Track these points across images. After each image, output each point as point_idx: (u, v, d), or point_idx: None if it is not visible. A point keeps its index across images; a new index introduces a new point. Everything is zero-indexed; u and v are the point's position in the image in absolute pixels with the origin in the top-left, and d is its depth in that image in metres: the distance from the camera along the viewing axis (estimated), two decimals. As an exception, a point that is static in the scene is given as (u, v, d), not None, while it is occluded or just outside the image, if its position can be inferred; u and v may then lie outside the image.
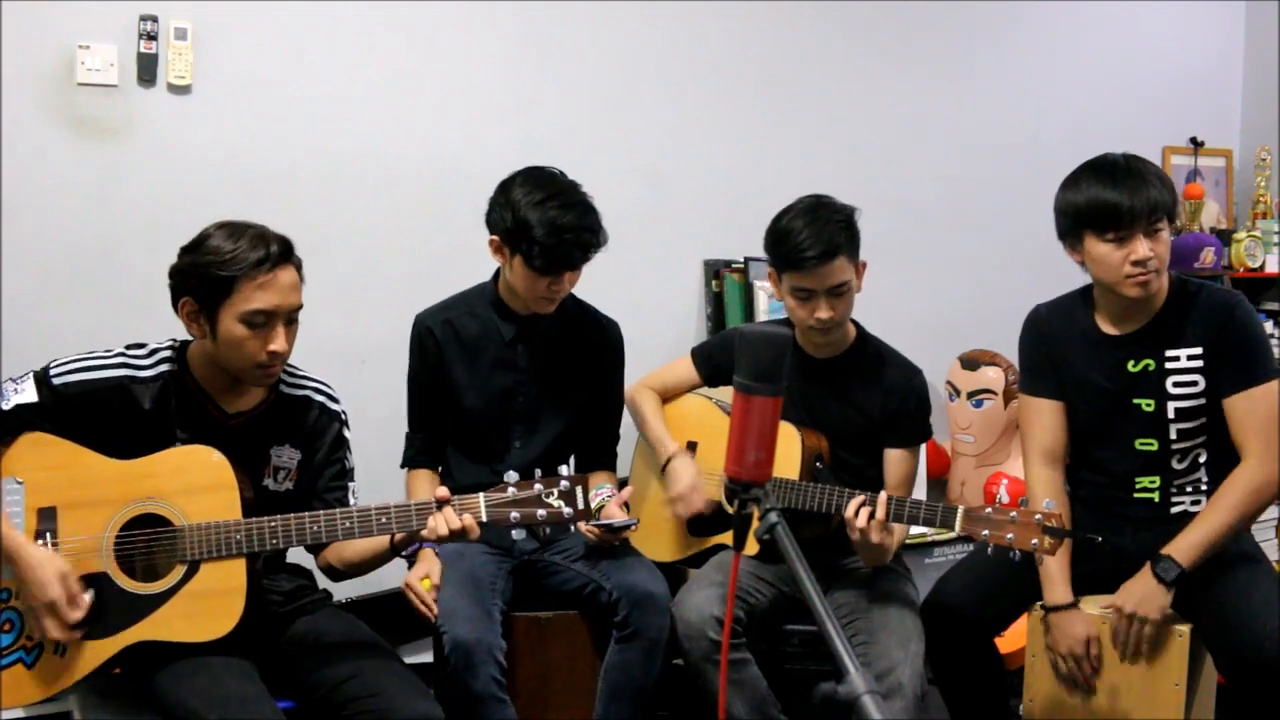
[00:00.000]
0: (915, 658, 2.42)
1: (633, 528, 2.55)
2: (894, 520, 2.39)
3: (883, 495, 2.37)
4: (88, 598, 2.03)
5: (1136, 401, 2.48)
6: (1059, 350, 2.57)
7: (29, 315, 3.01)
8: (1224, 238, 4.33)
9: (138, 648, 2.05)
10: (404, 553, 2.23)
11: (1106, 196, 2.38)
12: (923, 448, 2.75)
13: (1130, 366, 2.48)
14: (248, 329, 2.08)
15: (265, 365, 2.13)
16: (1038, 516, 2.22)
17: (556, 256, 2.49)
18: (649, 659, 2.50)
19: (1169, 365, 2.45)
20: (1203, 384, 2.44)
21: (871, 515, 2.35)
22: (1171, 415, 2.46)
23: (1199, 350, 2.44)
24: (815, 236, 2.46)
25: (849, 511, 2.37)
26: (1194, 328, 2.44)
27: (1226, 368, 2.43)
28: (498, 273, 2.70)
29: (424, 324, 2.69)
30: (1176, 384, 2.45)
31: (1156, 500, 2.51)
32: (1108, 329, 2.52)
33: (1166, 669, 2.42)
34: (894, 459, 2.65)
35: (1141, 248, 2.36)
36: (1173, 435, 2.47)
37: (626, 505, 2.63)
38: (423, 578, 2.46)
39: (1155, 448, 2.48)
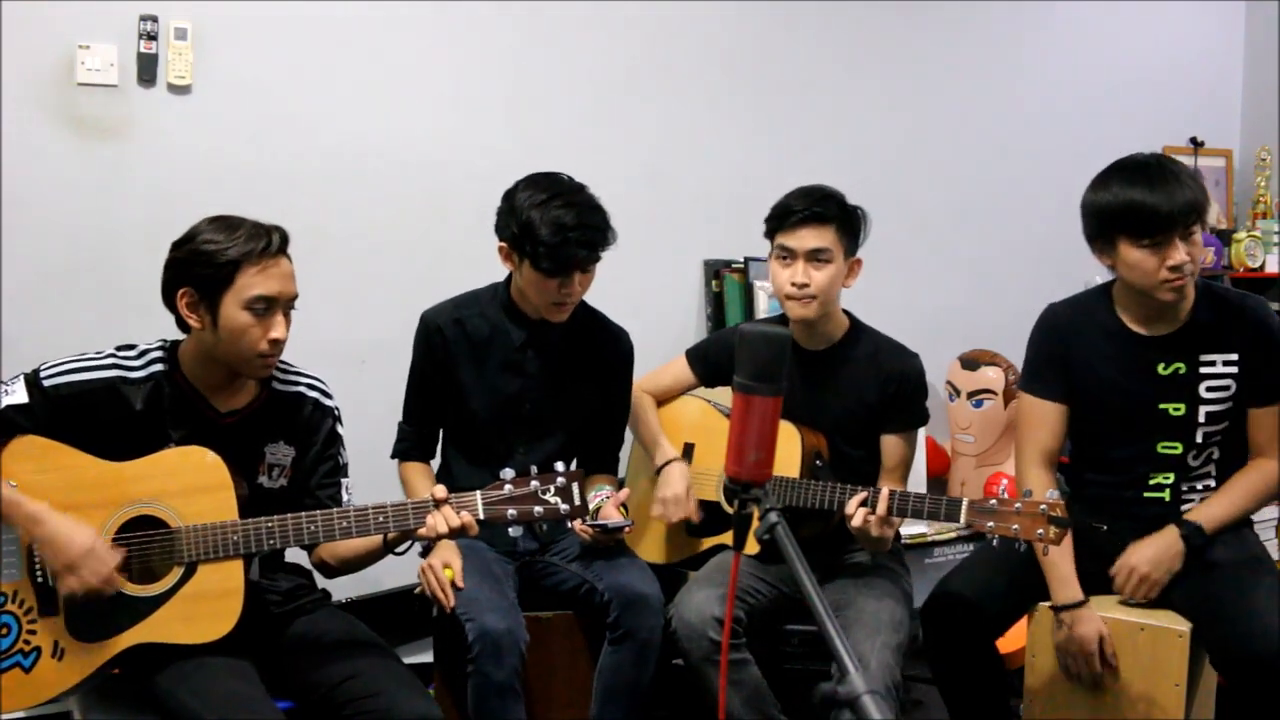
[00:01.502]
0: (883, 649, 2.40)
1: (627, 529, 2.55)
2: (898, 515, 2.39)
3: (885, 491, 2.37)
4: (118, 556, 2.02)
5: (1164, 406, 2.46)
6: (1077, 349, 2.54)
7: (29, 315, 3.02)
8: (1224, 238, 4.33)
9: (136, 650, 2.05)
10: (397, 550, 2.22)
11: (1142, 200, 2.33)
12: (921, 434, 2.74)
13: (1160, 369, 2.46)
14: (251, 316, 2.08)
15: (266, 354, 2.12)
16: (1042, 507, 2.23)
17: (563, 256, 2.47)
18: (642, 660, 2.50)
19: (1204, 370, 2.44)
20: (1235, 389, 2.44)
21: (874, 511, 2.35)
22: (1202, 420, 2.45)
23: (1235, 356, 2.43)
24: (807, 200, 2.56)
25: (850, 508, 2.38)
26: (1230, 334, 2.43)
27: (1260, 377, 2.43)
28: (511, 275, 2.70)
29: (433, 322, 2.67)
30: (1210, 389, 2.44)
31: (1167, 499, 2.50)
32: (1136, 328, 2.49)
33: (1166, 669, 2.42)
34: (889, 444, 2.65)
35: (1178, 253, 2.32)
36: (1199, 439, 2.47)
37: (625, 506, 2.63)
38: (445, 565, 2.44)
39: (1179, 450, 2.48)
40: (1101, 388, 2.51)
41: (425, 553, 2.61)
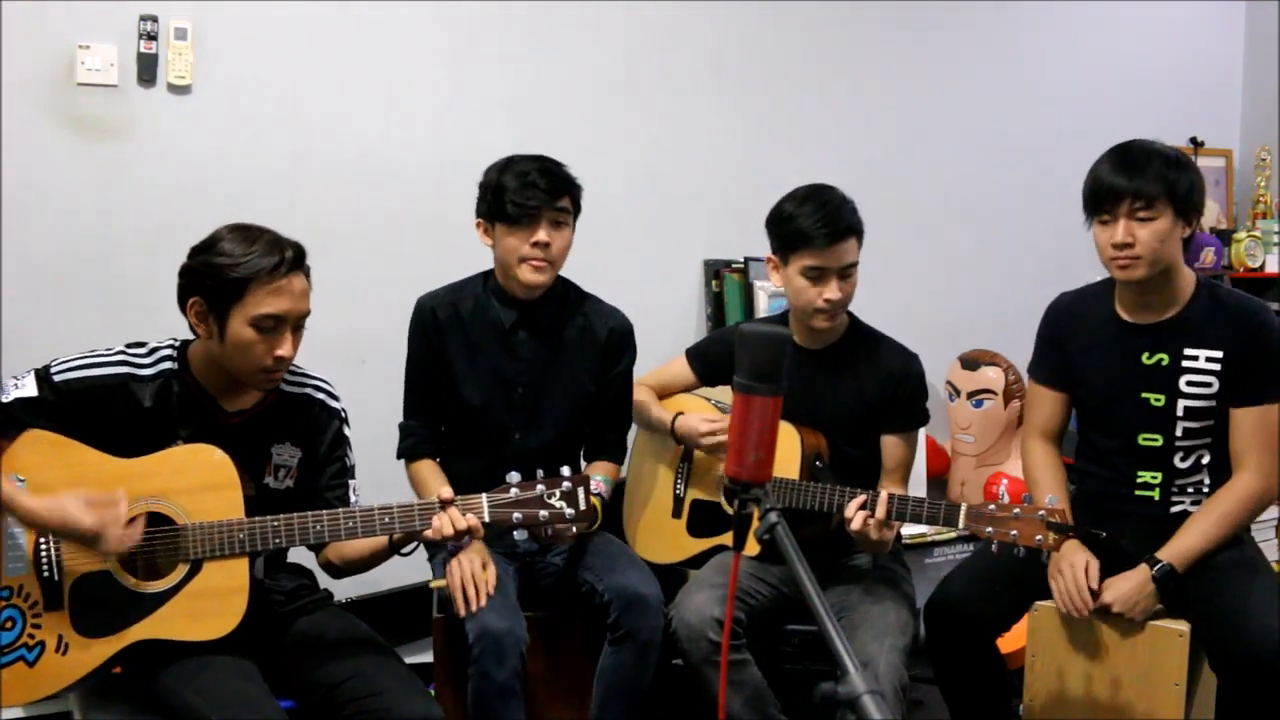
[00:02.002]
0: (891, 650, 2.40)
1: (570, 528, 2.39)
2: (897, 519, 2.39)
3: (884, 494, 2.37)
4: (122, 503, 2.00)
5: (1145, 395, 2.47)
6: (1074, 337, 2.57)
7: (29, 315, 3.02)
8: (1224, 238, 4.33)
9: (139, 646, 2.05)
10: (403, 551, 2.22)
11: (1098, 177, 2.41)
12: (922, 434, 2.73)
13: (1144, 358, 2.47)
14: (257, 333, 2.08)
15: (270, 370, 2.12)
16: (1041, 513, 2.22)
17: (527, 198, 2.50)
18: (642, 660, 2.50)
19: (1185, 364, 2.44)
20: (1216, 386, 2.43)
21: (873, 515, 2.35)
22: (1180, 413, 2.46)
23: (1219, 354, 2.43)
24: (829, 215, 2.51)
25: (849, 511, 2.38)
26: (1218, 331, 2.43)
27: (1244, 378, 2.42)
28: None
29: (426, 305, 2.67)
30: (1190, 383, 2.45)
31: (1156, 499, 2.51)
32: (1127, 317, 2.51)
33: (1166, 669, 2.42)
34: (889, 445, 2.65)
35: (1118, 231, 2.36)
36: (1178, 433, 2.47)
37: (601, 499, 2.57)
38: (485, 565, 2.42)
39: (1159, 443, 2.48)
40: (1092, 374, 2.54)
41: (432, 555, 2.62)
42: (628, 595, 2.49)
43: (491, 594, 2.39)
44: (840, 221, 2.51)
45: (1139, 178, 2.36)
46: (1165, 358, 2.46)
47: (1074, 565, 2.43)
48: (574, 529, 2.37)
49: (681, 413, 2.76)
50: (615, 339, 2.73)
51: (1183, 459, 2.49)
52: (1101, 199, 2.39)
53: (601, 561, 2.58)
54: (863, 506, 2.37)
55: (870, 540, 2.39)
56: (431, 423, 2.69)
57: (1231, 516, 2.43)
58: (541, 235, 2.53)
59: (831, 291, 2.53)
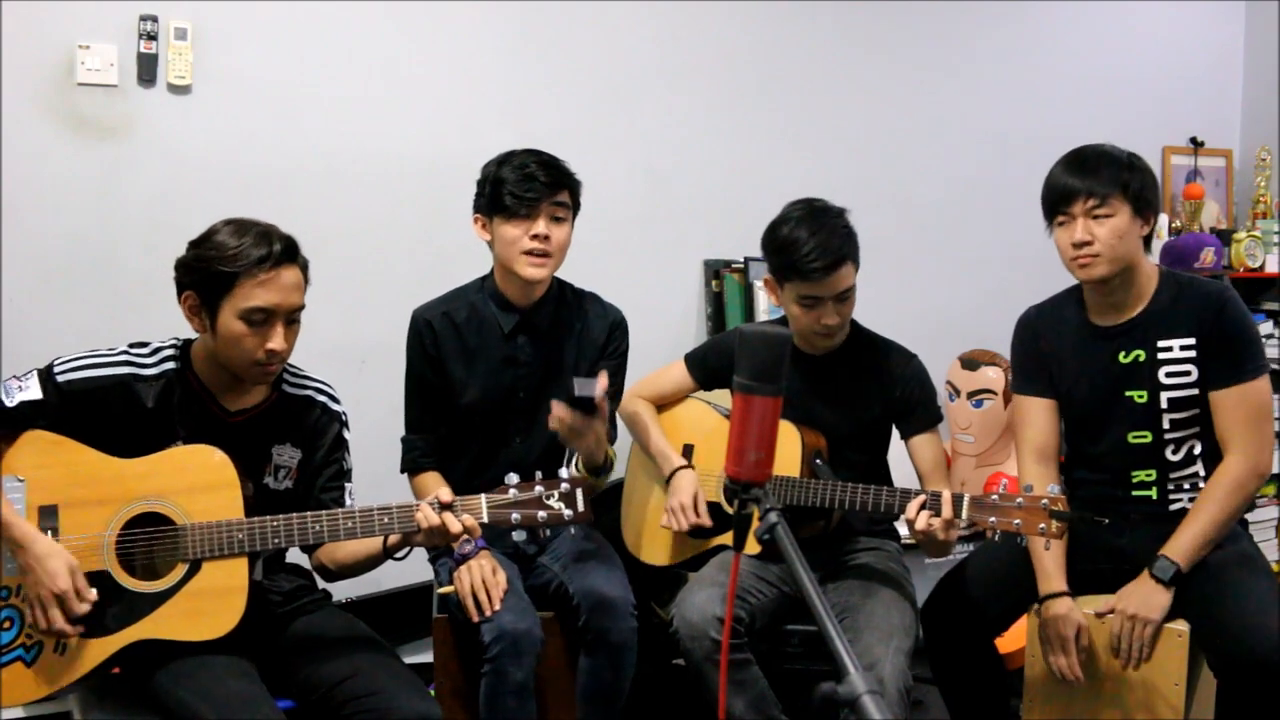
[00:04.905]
0: (897, 653, 2.37)
1: (598, 398, 2.33)
2: (899, 510, 2.37)
3: (947, 494, 2.33)
4: (93, 594, 2.02)
5: (1129, 394, 2.48)
6: (1051, 347, 2.58)
7: (29, 314, 3.02)
8: (1224, 238, 4.32)
9: (138, 646, 2.05)
10: (396, 556, 2.21)
11: (1054, 180, 2.46)
12: (943, 430, 2.73)
13: (1121, 358, 2.49)
14: (246, 326, 2.08)
15: (263, 363, 2.12)
16: (1044, 502, 2.23)
17: (525, 190, 2.50)
18: (616, 664, 2.48)
19: (1161, 356, 2.46)
20: (1195, 374, 2.45)
21: (936, 514, 2.30)
22: (1164, 405, 2.47)
23: (1191, 340, 2.44)
24: (822, 246, 2.46)
25: (910, 513, 2.34)
26: (1185, 318, 2.45)
27: (1217, 361, 2.43)
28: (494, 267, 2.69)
29: (422, 318, 2.66)
30: (1169, 374, 2.46)
31: (1154, 498, 2.51)
32: (1097, 321, 2.53)
33: (1166, 669, 2.42)
34: (919, 446, 2.63)
35: (1077, 230, 2.40)
36: (1165, 426, 2.48)
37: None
38: (495, 570, 2.41)
39: (1149, 440, 2.49)
40: (1073, 381, 2.55)
41: (434, 558, 2.62)
42: (595, 597, 2.47)
43: (503, 597, 2.39)
44: (834, 252, 2.46)
45: (1092, 177, 2.41)
46: (1141, 354, 2.47)
47: (1060, 630, 2.43)
48: (592, 404, 2.35)
49: (684, 468, 2.71)
50: (613, 334, 2.72)
51: (1174, 452, 2.50)
52: (1058, 200, 2.44)
53: (575, 563, 2.57)
54: (924, 507, 2.33)
55: (936, 542, 2.34)
56: (433, 435, 2.67)
57: (1226, 502, 2.42)
58: (540, 227, 2.52)
59: (829, 317, 2.52)
